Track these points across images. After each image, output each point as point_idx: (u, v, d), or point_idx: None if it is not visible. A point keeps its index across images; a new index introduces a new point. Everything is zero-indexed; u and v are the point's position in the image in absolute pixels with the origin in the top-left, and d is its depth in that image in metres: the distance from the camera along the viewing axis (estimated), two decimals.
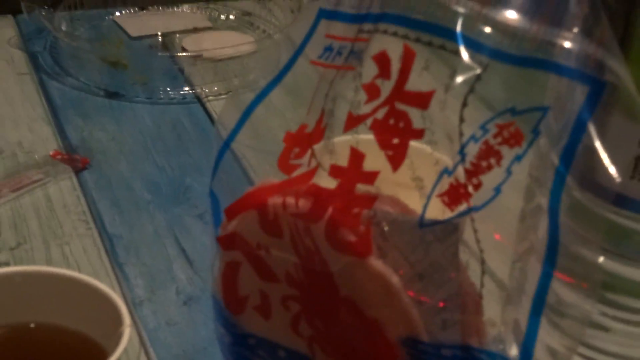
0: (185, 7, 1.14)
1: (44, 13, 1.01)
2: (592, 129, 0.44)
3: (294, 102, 0.56)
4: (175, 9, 1.14)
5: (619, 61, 0.44)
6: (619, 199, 0.51)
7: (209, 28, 1.11)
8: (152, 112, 0.96)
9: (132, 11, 1.12)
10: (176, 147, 0.90)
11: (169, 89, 0.99)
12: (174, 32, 1.08)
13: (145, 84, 0.99)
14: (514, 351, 0.49)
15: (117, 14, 1.11)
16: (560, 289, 0.48)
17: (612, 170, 0.45)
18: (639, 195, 0.50)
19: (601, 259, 0.49)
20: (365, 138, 0.49)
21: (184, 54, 1.03)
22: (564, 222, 0.46)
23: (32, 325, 0.54)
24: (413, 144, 0.48)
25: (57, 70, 1.02)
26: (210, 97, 0.98)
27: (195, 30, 1.10)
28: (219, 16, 1.13)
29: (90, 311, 0.53)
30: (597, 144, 0.44)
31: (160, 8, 1.14)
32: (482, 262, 0.49)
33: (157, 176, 0.86)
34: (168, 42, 1.07)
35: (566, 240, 0.46)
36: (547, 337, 0.48)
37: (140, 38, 1.07)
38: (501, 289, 0.50)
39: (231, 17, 1.13)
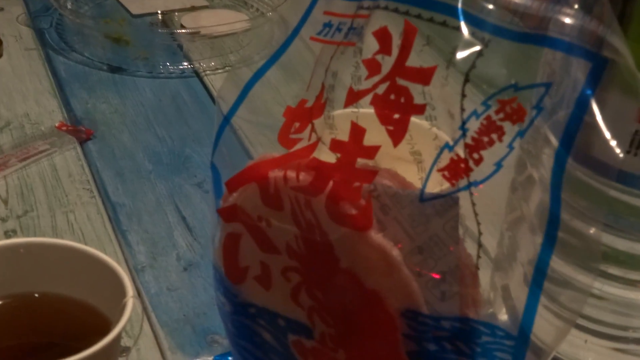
0: None
1: None
2: (593, 106, 0.43)
3: (290, 80, 0.56)
4: None
5: (619, 37, 0.43)
6: (624, 177, 0.51)
7: (206, 7, 1.09)
8: (153, 86, 0.95)
9: None
10: (176, 119, 0.89)
11: (168, 64, 0.98)
12: (173, 11, 1.07)
13: (146, 59, 0.98)
14: (503, 316, 0.48)
15: None
16: (560, 263, 0.46)
17: (614, 146, 0.43)
18: (635, 169, 0.50)
19: (601, 234, 0.47)
20: (365, 112, 0.48)
21: (183, 31, 1.02)
22: (562, 198, 0.45)
23: (36, 295, 0.53)
24: (412, 118, 0.47)
25: (62, 46, 1.00)
26: (208, 72, 0.97)
27: (193, 8, 1.08)
28: None
29: (95, 282, 0.52)
30: (599, 120, 0.43)
31: None
32: (479, 235, 0.47)
33: (158, 146, 0.85)
34: (167, 19, 1.06)
35: (565, 215, 0.45)
36: (545, 310, 0.47)
37: (141, 16, 1.06)
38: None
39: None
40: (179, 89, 0.94)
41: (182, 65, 0.98)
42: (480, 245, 0.47)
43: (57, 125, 0.85)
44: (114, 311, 0.48)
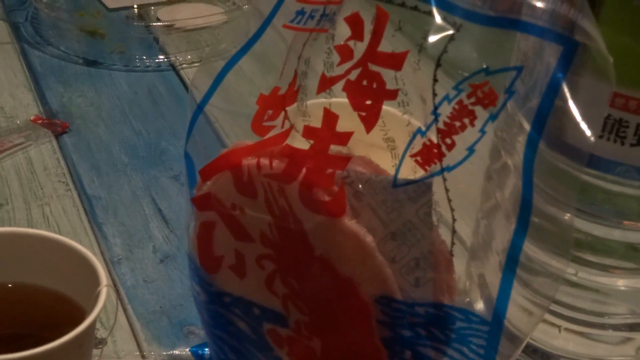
0: None
1: None
2: (565, 89, 0.43)
3: (264, 69, 0.55)
4: None
5: (590, 21, 0.43)
6: (584, 156, 0.50)
7: (182, 0, 1.08)
8: (129, 80, 0.95)
9: None
10: (152, 112, 0.89)
11: (144, 58, 0.98)
12: (149, 5, 1.07)
13: (122, 52, 0.98)
14: (479, 305, 0.48)
15: None
16: (533, 249, 0.46)
17: (586, 129, 0.44)
18: (606, 154, 0.50)
19: (574, 219, 0.47)
20: (338, 101, 0.49)
21: (159, 24, 1.02)
22: (535, 183, 0.45)
23: (10, 285, 0.53)
24: (384, 106, 0.47)
25: (37, 39, 1.00)
26: (184, 65, 0.97)
27: (169, 2, 1.08)
28: None
29: (69, 272, 0.52)
30: (571, 104, 0.43)
31: None
32: (453, 221, 0.48)
33: (134, 140, 0.85)
34: (143, 13, 1.05)
35: (538, 201, 0.45)
36: (518, 296, 0.47)
37: (117, 10, 1.05)
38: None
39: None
40: (155, 82, 0.94)
41: (158, 58, 0.97)
42: (454, 231, 0.48)
43: (32, 118, 0.85)
44: (89, 301, 0.48)
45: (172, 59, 0.98)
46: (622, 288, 0.53)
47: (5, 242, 0.52)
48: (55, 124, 0.84)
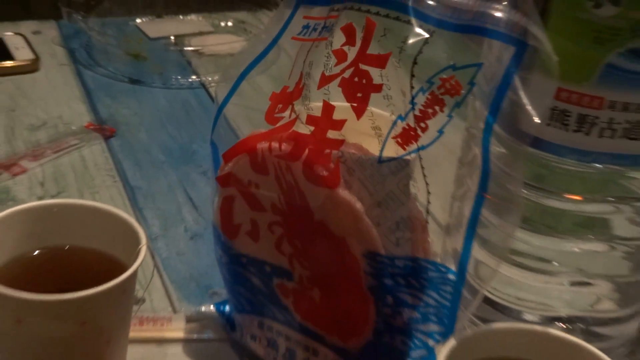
0: (193, 16, 1.14)
1: (80, 18, 1.01)
2: (517, 81, 0.44)
3: (270, 78, 0.55)
4: (185, 17, 1.13)
5: (540, 28, 0.43)
6: (538, 142, 0.51)
7: (211, 32, 1.10)
8: (166, 95, 0.96)
9: (150, 18, 1.11)
10: (185, 121, 0.90)
11: (179, 77, 0.99)
12: (184, 35, 1.08)
13: (161, 73, 0.99)
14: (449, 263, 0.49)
15: (138, 20, 1.10)
16: (489, 216, 0.47)
17: (533, 116, 0.44)
18: (553, 138, 0.50)
19: (522, 190, 0.49)
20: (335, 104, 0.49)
21: (191, 48, 1.03)
22: (494, 163, 0.46)
23: (66, 247, 0.53)
24: (375, 109, 0.48)
25: (90, 62, 1.01)
26: (212, 84, 0.98)
27: (200, 33, 1.09)
28: (219, 23, 1.13)
29: (115, 236, 0.52)
30: (522, 94, 0.44)
31: (173, 16, 1.13)
32: (428, 193, 0.49)
33: (170, 143, 0.85)
34: (179, 41, 1.06)
35: (496, 176, 0.46)
36: (477, 253, 0.48)
37: (157, 39, 1.07)
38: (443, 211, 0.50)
39: (229, 24, 1.12)
40: (187, 97, 0.95)
41: (190, 78, 0.98)
42: (429, 202, 0.49)
43: (85, 125, 0.86)
44: (131, 259, 0.49)
45: (202, 78, 0.98)
46: (569, 250, 0.53)
47: (63, 211, 0.53)
48: (104, 129, 0.86)
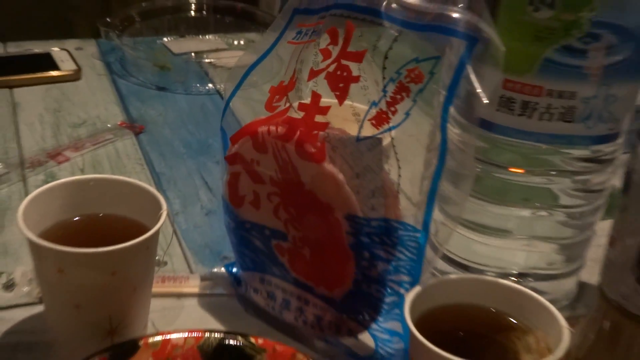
0: (210, 36, 1.14)
1: (116, 36, 1.02)
2: (471, 72, 0.45)
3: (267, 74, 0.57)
4: (204, 37, 1.14)
5: (490, 25, 0.44)
6: (488, 125, 0.52)
7: (225, 49, 1.11)
8: (187, 100, 0.96)
9: (175, 38, 1.12)
10: (202, 121, 0.91)
11: (198, 85, 0.99)
12: (202, 51, 1.08)
13: (183, 81, 0.99)
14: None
15: (165, 39, 1.11)
16: (447, 185, 0.48)
17: (483, 96, 0.45)
18: (501, 122, 0.51)
19: (475, 164, 0.50)
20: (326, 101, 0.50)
21: (207, 60, 1.04)
22: (451, 141, 0.47)
23: (101, 214, 0.54)
24: (357, 104, 0.49)
25: (123, 72, 1.02)
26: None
27: (217, 50, 1.09)
28: (233, 42, 1.13)
29: (140, 205, 0.53)
30: (475, 84, 0.45)
31: (194, 36, 1.14)
32: (399, 169, 0.49)
33: (189, 138, 0.86)
34: (198, 56, 1.07)
35: (452, 153, 0.47)
36: (438, 217, 0.49)
37: (180, 54, 1.07)
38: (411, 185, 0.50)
39: (241, 42, 1.13)
40: (204, 102, 0.96)
41: (207, 86, 0.99)
42: (400, 176, 0.49)
43: (119, 123, 0.87)
44: (153, 223, 0.50)
45: (217, 86, 0.99)
46: (517, 216, 0.54)
47: (98, 184, 0.54)
48: (134, 127, 0.87)
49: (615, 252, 0.49)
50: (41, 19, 2.14)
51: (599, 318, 0.51)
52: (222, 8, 1.16)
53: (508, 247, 0.55)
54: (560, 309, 0.48)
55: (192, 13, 1.16)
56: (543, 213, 0.54)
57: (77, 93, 0.95)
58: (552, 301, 0.47)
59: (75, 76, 0.98)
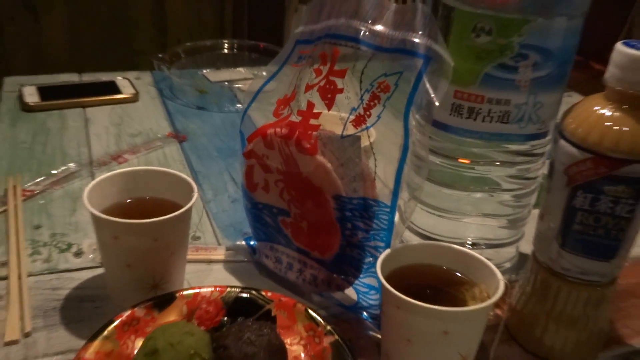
0: (241, 69, 1.14)
1: (166, 69, 1.03)
2: (428, 85, 0.45)
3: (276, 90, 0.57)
4: (235, 69, 1.13)
5: (443, 48, 0.45)
6: (443, 126, 0.52)
7: (251, 78, 1.10)
8: (220, 117, 0.96)
9: (212, 70, 1.12)
10: (231, 132, 0.91)
11: (229, 106, 0.99)
12: (234, 80, 1.08)
13: (217, 103, 0.99)
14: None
15: (205, 71, 1.11)
16: (409, 172, 0.49)
17: (441, 110, 0.46)
18: (453, 123, 0.52)
19: (428, 157, 0.50)
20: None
21: (238, 86, 1.03)
22: (413, 139, 0.47)
23: (147, 197, 0.55)
24: (342, 114, 0.49)
25: (171, 96, 1.02)
26: None
27: (245, 79, 1.09)
28: (257, 73, 1.12)
29: (178, 189, 0.54)
30: (432, 95, 0.45)
31: (228, 68, 1.14)
32: (375, 160, 0.50)
33: (221, 144, 0.86)
34: (230, 84, 1.06)
35: (413, 146, 0.48)
36: (404, 196, 0.49)
37: (216, 82, 1.07)
38: (384, 173, 0.50)
39: (263, 73, 1.11)
40: (234, 118, 0.95)
41: (236, 106, 0.99)
42: (376, 166, 0.50)
43: (167, 134, 0.88)
44: (187, 203, 0.51)
45: (245, 106, 0.99)
46: (469, 198, 0.54)
47: (146, 174, 0.55)
48: (179, 136, 0.87)
49: (544, 225, 0.50)
50: (109, 56, 2.17)
51: (532, 276, 0.52)
52: (248, 47, 1.17)
53: (461, 222, 0.56)
54: (503, 272, 0.49)
55: (226, 51, 1.16)
56: (488, 195, 0.55)
57: (135, 111, 0.96)
58: (497, 265, 0.47)
59: (134, 99, 0.99)
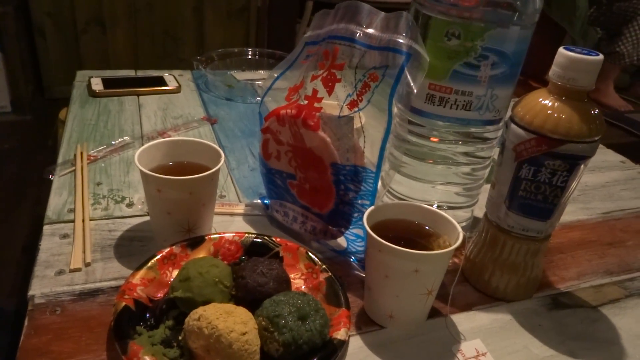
0: (261, 71, 1.11)
1: (203, 69, 1.01)
2: (409, 78, 0.44)
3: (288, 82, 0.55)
4: (257, 71, 1.12)
5: (422, 47, 0.44)
6: (419, 112, 0.51)
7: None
8: (244, 106, 0.95)
9: (238, 71, 1.10)
10: (252, 119, 0.89)
11: (251, 98, 0.97)
12: (255, 79, 1.05)
13: (242, 96, 0.98)
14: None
15: (233, 71, 1.09)
16: (390, 147, 0.48)
17: (418, 98, 0.44)
18: (427, 110, 0.50)
19: (407, 137, 0.49)
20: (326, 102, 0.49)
21: (258, 83, 1.01)
22: (394, 122, 0.47)
23: (185, 161, 0.54)
24: (337, 100, 0.48)
25: (206, 89, 1.01)
26: None
27: (264, 79, 1.06)
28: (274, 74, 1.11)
29: (209, 155, 0.52)
30: (412, 85, 0.44)
31: (252, 70, 1.12)
32: (364, 138, 0.48)
33: (244, 127, 0.85)
34: (252, 82, 1.03)
35: (395, 128, 0.47)
36: (385, 166, 0.48)
37: (242, 80, 1.04)
38: (371, 150, 0.49)
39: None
40: (255, 108, 0.94)
41: (257, 99, 0.97)
42: (364, 143, 0.48)
43: (202, 117, 0.86)
44: (215, 166, 0.49)
45: (263, 93, 0.96)
46: (436, 170, 0.53)
47: (185, 143, 0.54)
48: (211, 120, 0.86)
49: (495, 191, 0.49)
50: (160, 63, 2.18)
51: (484, 232, 0.51)
52: (267, 54, 1.14)
53: (429, 188, 0.55)
54: (462, 229, 0.47)
55: (249, 57, 1.14)
56: (452, 167, 0.53)
57: (177, 100, 0.94)
58: (459, 223, 0.46)
59: (177, 90, 0.97)
